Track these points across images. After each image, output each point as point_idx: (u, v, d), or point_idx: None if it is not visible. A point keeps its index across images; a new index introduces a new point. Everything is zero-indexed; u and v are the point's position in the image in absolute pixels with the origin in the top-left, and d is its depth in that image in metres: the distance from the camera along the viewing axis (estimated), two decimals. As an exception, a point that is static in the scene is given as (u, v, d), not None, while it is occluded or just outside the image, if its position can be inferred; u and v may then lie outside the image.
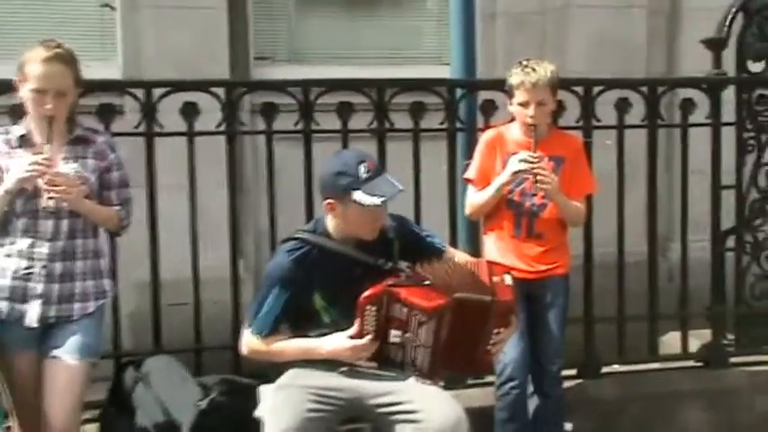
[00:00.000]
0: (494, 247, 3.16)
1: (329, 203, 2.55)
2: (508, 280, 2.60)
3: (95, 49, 4.46)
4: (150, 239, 3.34)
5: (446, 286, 2.49)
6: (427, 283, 2.49)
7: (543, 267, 3.11)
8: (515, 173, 3.01)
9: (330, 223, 2.60)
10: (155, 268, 3.36)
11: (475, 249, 3.36)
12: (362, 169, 2.48)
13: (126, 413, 2.86)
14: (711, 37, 3.71)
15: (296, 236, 2.63)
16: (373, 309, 2.45)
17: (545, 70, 3.01)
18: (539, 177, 2.97)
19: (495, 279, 2.57)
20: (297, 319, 2.64)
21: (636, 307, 3.80)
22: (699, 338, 3.93)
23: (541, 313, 3.15)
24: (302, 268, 2.55)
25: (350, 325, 2.47)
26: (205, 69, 4.10)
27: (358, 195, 2.46)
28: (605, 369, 3.70)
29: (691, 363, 3.84)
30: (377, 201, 2.45)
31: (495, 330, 2.52)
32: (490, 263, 2.72)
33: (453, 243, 3.44)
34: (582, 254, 3.60)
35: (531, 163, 2.97)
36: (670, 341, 4.06)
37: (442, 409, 2.46)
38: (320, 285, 2.57)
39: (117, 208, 2.73)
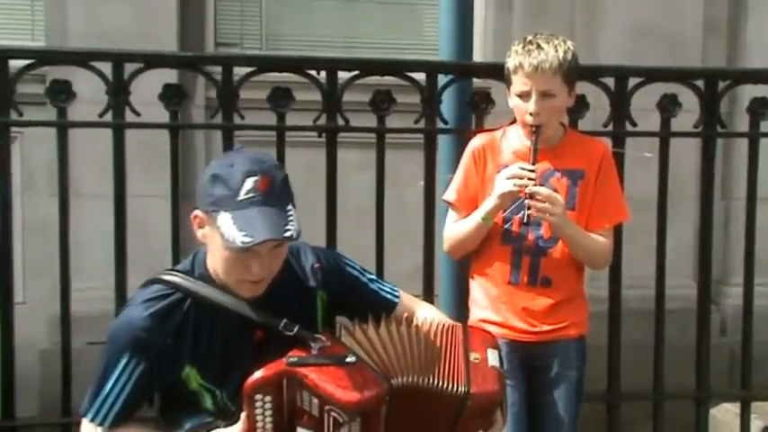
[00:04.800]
0: (482, 295, 2.34)
1: (196, 216, 1.73)
2: (493, 359, 1.79)
3: (24, 24, 3.85)
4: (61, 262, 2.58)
5: (383, 365, 1.70)
6: (351, 360, 1.66)
7: (548, 327, 2.28)
8: (503, 196, 2.16)
9: (209, 257, 1.74)
10: (65, 298, 2.63)
11: (462, 294, 2.50)
12: (248, 185, 1.63)
13: None
14: (796, 13, 2.76)
15: (160, 277, 1.77)
16: (267, 398, 1.65)
17: (556, 50, 2.17)
18: (534, 199, 2.12)
19: (474, 357, 1.77)
20: (165, 400, 1.83)
21: (679, 367, 2.88)
22: (763, 416, 3.12)
23: (544, 391, 2.32)
24: (165, 328, 1.73)
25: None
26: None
27: (222, 220, 1.63)
28: None
29: None
30: (238, 240, 1.60)
31: None
32: (468, 329, 1.89)
33: (429, 291, 2.59)
34: (602, 296, 2.75)
35: (525, 179, 2.12)
36: (723, 418, 3.27)
37: None
38: (194, 355, 1.75)
39: None
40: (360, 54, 3.88)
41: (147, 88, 2.47)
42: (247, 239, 1.59)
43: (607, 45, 3.87)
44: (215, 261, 1.72)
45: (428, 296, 2.56)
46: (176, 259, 2.44)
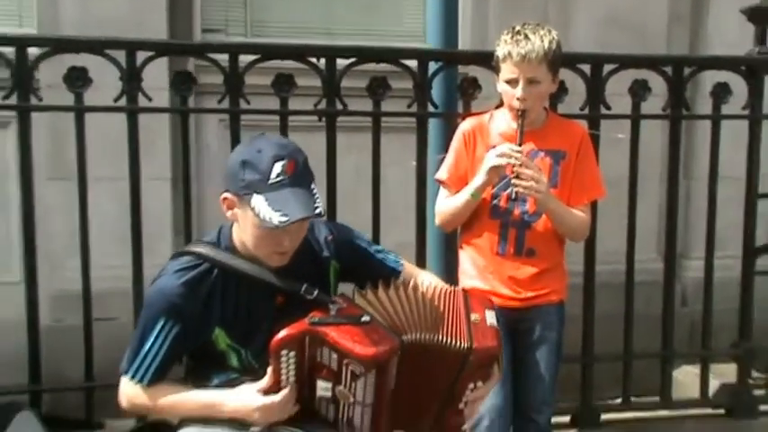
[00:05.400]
0: (471, 265, 2.52)
1: (225, 198, 1.89)
2: (491, 318, 1.97)
3: (11, 10, 3.83)
4: (81, 242, 2.71)
5: (394, 324, 1.87)
6: (366, 319, 1.84)
7: (532, 294, 2.47)
8: (490, 172, 2.34)
9: (236, 233, 1.91)
10: (86, 275, 2.75)
11: (449, 268, 2.70)
12: (277, 169, 1.80)
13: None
14: (754, 5, 2.98)
15: (190, 249, 1.94)
16: (291, 354, 1.83)
17: (542, 40, 2.34)
18: (521, 176, 2.31)
19: (474, 317, 1.95)
20: (195, 360, 2.00)
21: (644, 337, 3.17)
22: (720, 377, 3.33)
23: (528, 351, 2.52)
24: (197, 294, 1.89)
25: (266, 371, 1.84)
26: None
27: (256, 202, 1.79)
28: (605, 416, 3.10)
29: (710, 410, 3.22)
30: (275, 220, 1.77)
31: (471, 385, 1.93)
32: (468, 293, 2.07)
33: (421, 260, 2.78)
34: (577, 270, 2.96)
35: (513, 158, 2.30)
36: (684, 380, 3.47)
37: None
38: (222, 318, 1.92)
39: None
40: (341, 39, 3.99)
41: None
42: (284, 219, 1.76)
43: (579, 32, 4.01)
44: (246, 237, 1.88)
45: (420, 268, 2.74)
46: (188, 237, 2.59)
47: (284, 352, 1.81)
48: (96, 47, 2.43)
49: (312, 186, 1.85)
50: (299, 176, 1.82)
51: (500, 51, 2.38)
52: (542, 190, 2.33)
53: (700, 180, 3.23)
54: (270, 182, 1.79)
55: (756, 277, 3.17)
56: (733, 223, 3.19)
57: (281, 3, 4.21)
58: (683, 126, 3.11)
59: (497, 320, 1.99)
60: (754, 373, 3.35)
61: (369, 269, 2.06)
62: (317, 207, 1.81)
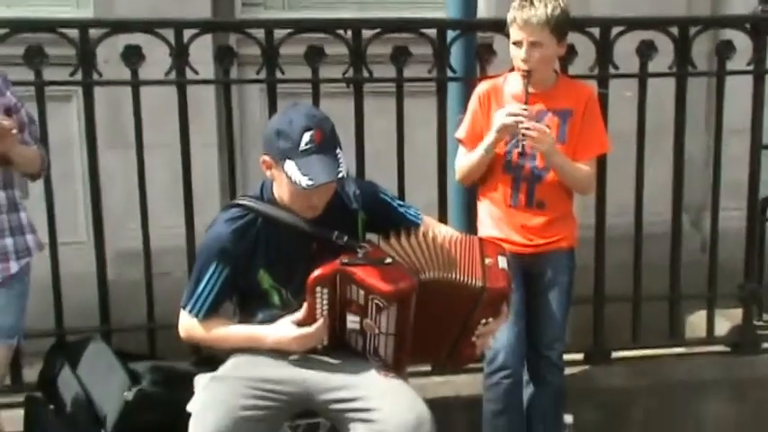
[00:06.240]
0: (487, 215, 2.78)
1: (265, 160, 2.18)
2: (503, 263, 2.23)
3: None
4: (141, 204, 2.98)
5: (414, 265, 2.15)
6: (389, 261, 2.12)
7: (543, 241, 2.72)
8: (500, 130, 2.57)
9: (275, 188, 2.21)
10: (146, 235, 3.02)
11: (470, 219, 2.95)
12: (306, 138, 2.08)
13: (53, 400, 2.55)
14: (762, -33, 3.14)
15: (238, 202, 2.26)
16: (325, 291, 2.13)
17: (546, 6, 2.55)
18: (527, 134, 2.54)
19: (488, 261, 2.21)
20: (243, 297, 2.33)
21: (662, 284, 3.37)
22: (729, 319, 3.50)
23: (540, 292, 2.77)
24: (244, 241, 2.21)
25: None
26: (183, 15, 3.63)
27: (288, 167, 2.09)
28: (616, 354, 3.33)
29: (716, 348, 3.42)
30: (303, 183, 2.06)
31: (483, 320, 2.19)
32: (482, 240, 2.34)
33: (444, 213, 3.03)
34: (593, 223, 3.19)
35: (519, 116, 2.52)
36: (697, 322, 3.63)
37: (401, 409, 2.11)
38: (266, 261, 2.23)
39: (35, 147, 2.41)
40: (373, 9, 4.15)
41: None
42: (311, 182, 2.04)
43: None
44: (282, 193, 2.18)
45: (443, 222, 3.00)
46: (234, 198, 2.86)
47: (318, 288, 2.10)
48: (148, 27, 2.72)
49: (337, 152, 2.11)
50: (326, 144, 2.09)
51: (509, 16, 2.60)
52: (548, 142, 2.56)
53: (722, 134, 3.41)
54: (300, 149, 2.06)
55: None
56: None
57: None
58: (705, 82, 3.26)
59: (508, 265, 2.25)
60: (765, 315, 3.55)
61: (391, 220, 2.31)
62: (339, 171, 2.08)
